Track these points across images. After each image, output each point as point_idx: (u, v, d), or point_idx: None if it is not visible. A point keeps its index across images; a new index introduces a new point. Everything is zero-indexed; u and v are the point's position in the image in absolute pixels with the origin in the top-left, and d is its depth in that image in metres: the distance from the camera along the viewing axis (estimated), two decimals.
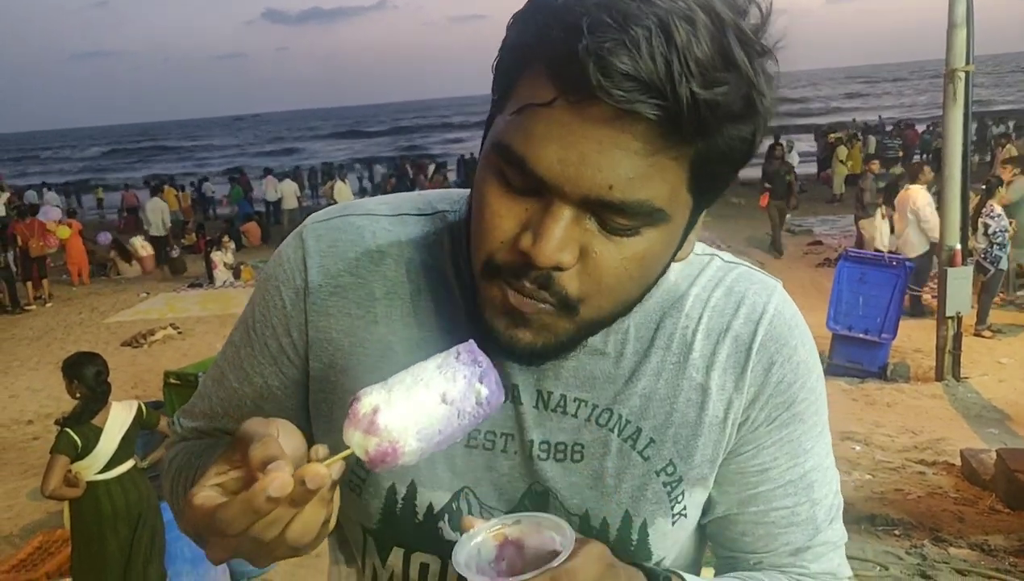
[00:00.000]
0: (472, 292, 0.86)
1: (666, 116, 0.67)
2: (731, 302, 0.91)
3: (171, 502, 1.04)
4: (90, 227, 20.32)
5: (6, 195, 21.29)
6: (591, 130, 0.68)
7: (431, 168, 24.69)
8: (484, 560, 0.79)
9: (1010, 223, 9.46)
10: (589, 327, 0.82)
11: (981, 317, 9.23)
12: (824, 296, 8.74)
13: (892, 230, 11.09)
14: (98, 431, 3.79)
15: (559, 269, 0.74)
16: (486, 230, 0.76)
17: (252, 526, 0.64)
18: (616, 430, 0.89)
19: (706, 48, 0.66)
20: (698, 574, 1.05)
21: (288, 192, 21.94)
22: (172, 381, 6.00)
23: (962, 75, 7.51)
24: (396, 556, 0.95)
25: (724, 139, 0.71)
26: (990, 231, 9.24)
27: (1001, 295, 10.06)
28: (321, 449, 0.71)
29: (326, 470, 0.66)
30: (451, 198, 0.98)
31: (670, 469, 0.90)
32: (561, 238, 0.72)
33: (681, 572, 0.90)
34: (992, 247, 9.24)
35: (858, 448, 6.17)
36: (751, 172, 18.80)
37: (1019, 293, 10.60)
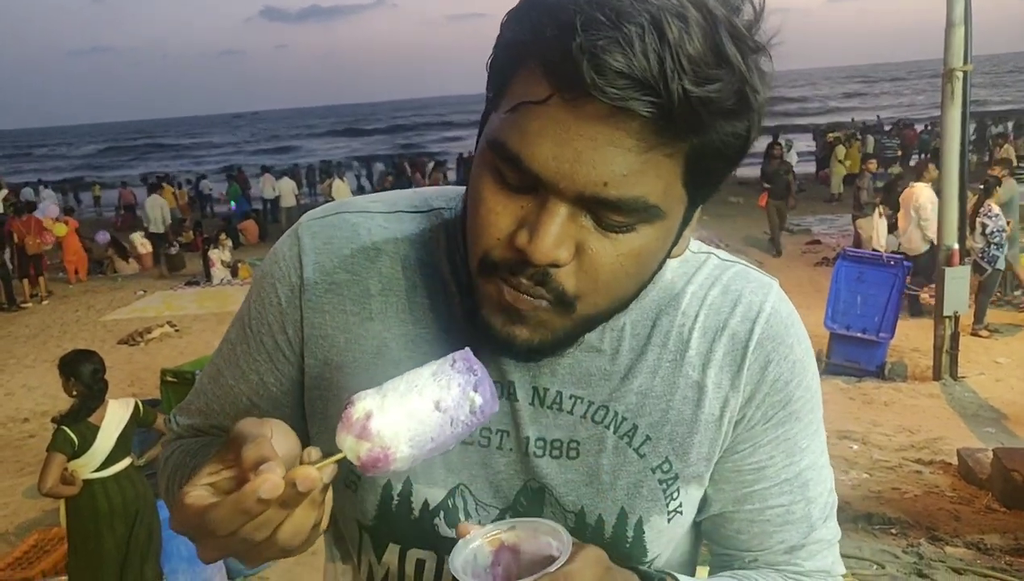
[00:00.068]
0: (468, 289, 0.86)
1: (659, 113, 0.67)
2: (728, 300, 0.91)
3: (167, 500, 1.04)
4: (87, 225, 20.29)
5: (4, 192, 21.24)
6: (585, 127, 0.69)
7: (430, 166, 24.70)
8: (480, 566, 0.79)
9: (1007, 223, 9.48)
10: (586, 323, 0.82)
11: (978, 317, 9.25)
12: (822, 295, 8.76)
13: (890, 229, 11.11)
14: (95, 429, 3.79)
15: (555, 266, 0.74)
16: (482, 227, 0.76)
17: (242, 527, 0.64)
18: (612, 427, 0.89)
19: (698, 45, 0.66)
20: (694, 571, 1.05)
21: (286, 190, 21.93)
22: (169, 379, 6.00)
23: (960, 75, 7.53)
24: (392, 553, 0.96)
25: (718, 135, 0.71)
26: (987, 231, 9.26)
27: (998, 294, 10.07)
28: (313, 452, 0.71)
29: (317, 473, 0.66)
30: (447, 195, 0.98)
31: (666, 466, 0.90)
32: (557, 235, 0.72)
33: (675, 573, 0.90)
34: (989, 247, 9.26)
35: (855, 447, 6.18)
36: (750, 171, 18.84)
37: (1015, 292, 10.61)
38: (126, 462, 3.90)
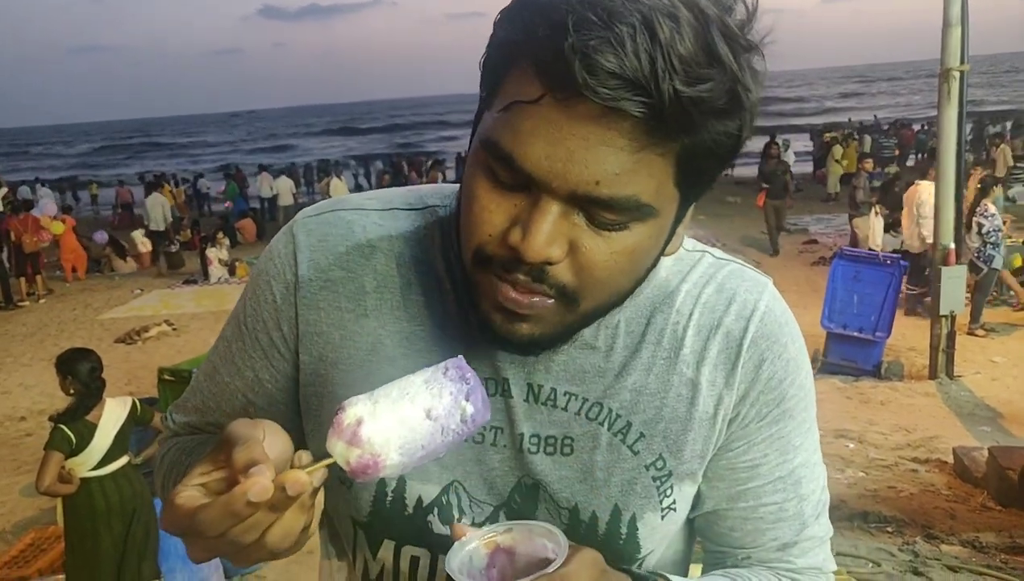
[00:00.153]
0: (464, 285, 0.86)
1: (651, 113, 0.67)
2: (722, 299, 0.91)
3: (163, 498, 1.04)
4: (84, 223, 20.27)
5: (3, 190, 21.17)
6: (578, 127, 0.69)
7: (428, 164, 24.69)
8: (476, 568, 0.80)
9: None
10: (585, 318, 0.83)
11: (974, 316, 9.27)
12: (819, 294, 8.77)
13: (886, 229, 11.13)
14: (92, 427, 3.79)
15: (548, 263, 0.74)
16: (475, 224, 0.77)
17: (231, 529, 0.64)
18: (606, 424, 0.90)
19: (689, 45, 0.67)
20: (687, 569, 1.05)
21: (284, 189, 21.91)
22: (166, 377, 6.00)
23: (957, 74, 7.54)
24: (386, 549, 0.96)
25: (710, 134, 0.71)
26: (984, 230, 9.28)
27: (993, 293, 10.09)
28: (304, 456, 0.71)
29: (307, 477, 0.66)
30: (442, 193, 0.98)
31: (659, 464, 0.90)
32: (549, 233, 0.73)
33: (668, 575, 0.90)
34: (986, 246, 9.28)
35: (852, 446, 6.20)
36: (747, 171, 18.85)
37: (1011, 292, 10.64)
38: (123, 460, 3.90)
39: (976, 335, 9.14)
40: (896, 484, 5.45)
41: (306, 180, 29.06)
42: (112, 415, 3.87)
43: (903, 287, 9.04)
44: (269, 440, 0.70)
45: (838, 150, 21.54)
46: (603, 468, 0.90)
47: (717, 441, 0.91)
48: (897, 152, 24.75)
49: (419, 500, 0.92)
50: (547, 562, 0.76)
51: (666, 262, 0.92)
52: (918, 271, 9.72)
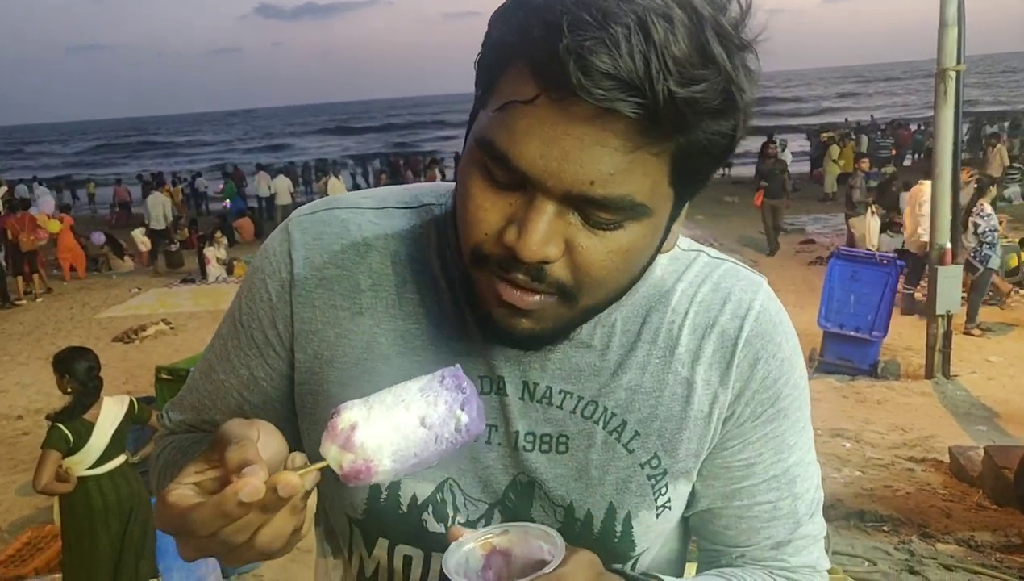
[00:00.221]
0: (458, 284, 0.87)
1: (645, 114, 0.67)
2: (717, 298, 0.92)
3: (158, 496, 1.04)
4: (82, 222, 20.24)
5: (3, 189, 21.11)
6: (573, 127, 0.69)
7: (427, 162, 24.69)
8: (472, 569, 0.80)
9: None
10: (584, 314, 0.83)
11: (971, 316, 9.28)
12: (816, 294, 8.78)
13: (883, 229, 11.14)
14: (89, 426, 3.78)
15: (545, 262, 0.75)
16: (471, 223, 0.77)
17: (222, 529, 0.65)
18: (601, 423, 0.90)
19: (683, 45, 0.67)
20: (683, 568, 1.06)
21: (282, 188, 21.91)
22: (164, 376, 5.99)
23: (953, 74, 7.56)
24: (381, 547, 0.96)
25: (704, 134, 0.72)
26: (980, 230, 9.30)
27: (989, 293, 10.11)
28: (298, 457, 0.71)
29: (299, 480, 0.66)
30: (437, 191, 0.98)
31: (654, 462, 0.90)
32: (545, 233, 0.73)
33: (663, 576, 0.90)
34: (982, 246, 9.30)
35: (848, 445, 6.21)
36: (744, 171, 18.87)
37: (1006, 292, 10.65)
38: (121, 459, 3.89)
39: (972, 335, 9.16)
40: (892, 483, 5.47)
41: (304, 179, 29.06)
42: (109, 414, 3.86)
43: (900, 287, 9.06)
44: (263, 440, 0.70)
45: (835, 150, 21.57)
46: (598, 466, 0.90)
47: (712, 440, 0.92)
48: (894, 152, 24.79)
49: (413, 498, 0.92)
50: (543, 564, 0.76)
51: (662, 261, 0.92)
52: (920, 271, 9.73)
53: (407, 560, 0.95)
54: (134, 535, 3.88)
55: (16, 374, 9.69)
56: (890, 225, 12.04)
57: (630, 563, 0.94)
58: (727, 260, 0.96)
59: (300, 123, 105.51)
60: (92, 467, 3.79)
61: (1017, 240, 11.35)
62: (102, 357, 4.14)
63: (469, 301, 0.85)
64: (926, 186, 9.84)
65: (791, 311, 0.97)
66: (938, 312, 7.81)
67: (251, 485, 0.63)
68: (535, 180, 0.72)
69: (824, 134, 26.10)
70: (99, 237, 17.27)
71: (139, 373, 8.81)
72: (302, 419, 0.97)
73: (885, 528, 4.82)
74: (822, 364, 8.38)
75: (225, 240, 15.86)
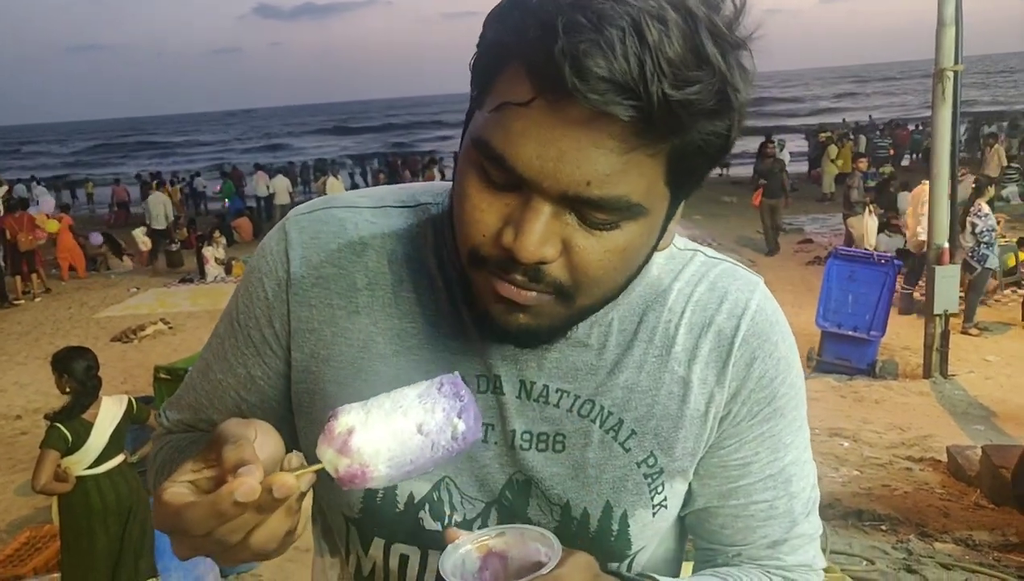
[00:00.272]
0: (455, 283, 0.87)
1: (640, 116, 0.67)
2: (714, 297, 0.92)
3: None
4: (80, 222, 20.24)
5: (4, 189, 21.07)
6: (568, 130, 0.69)
7: (425, 161, 24.70)
8: (468, 571, 0.80)
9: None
10: (581, 312, 0.83)
11: (968, 315, 9.30)
12: (814, 294, 8.79)
13: (881, 229, 11.15)
14: (88, 426, 3.78)
15: (542, 263, 0.75)
16: (468, 224, 0.77)
17: (217, 528, 0.65)
18: (598, 421, 0.90)
19: (678, 47, 0.67)
20: (679, 568, 1.06)
21: (280, 188, 21.91)
22: (162, 376, 5.98)
23: (951, 74, 7.57)
24: (377, 546, 0.96)
25: (699, 135, 0.72)
26: (977, 230, 9.32)
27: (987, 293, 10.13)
28: (294, 458, 0.71)
29: (294, 481, 0.66)
30: (434, 191, 0.98)
31: (651, 461, 0.91)
32: (542, 233, 0.73)
33: (657, 576, 0.91)
34: (979, 246, 9.32)
35: (846, 444, 6.21)
36: (743, 171, 18.87)
37: (1005, 291, 10.68)
38: (119, 459, 3.89)
39: (970, 334, 9.18)
40: (890, 482, 5.47)
41: (303, 179, 29.06)
42: (108, 413, 3.86)
43: (899, 286, 9.07)
44: (260, 440, 0.70)
45: (833, 150, 21.59)
46: (595, 465, 0.90)
47: (708, 439, 0.92)
48: (892, 152, 24.79)
49: (410, 496, 0.92)
50: (539, 565, 0.77)
51: (658, 261, 0.92)
52: (921, 271, 9.74)
53: (404, 559, 0.95)
54: (133, 535, 3.88)
55: (14, 374, 9.69)
56: (888, 225, 12.05)
57: (626, 561, 0.94)
58: (724, 260, 0.96)
59: (298, 123, 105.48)
60: (91, 467, 3.79)
61: (1015, 240, 11.37)
62: (101, 357, 4.14)
63: (466, 300, 0.85)
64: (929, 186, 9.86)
65: (789, 311, 0.97)
66: (936, 312, 7.82)
67: (247, 485, 0.63)
68: (531, 181, 0.72)
69: (822, 134, 26.12)
70: (96, 237, 17.27)
71: (137, 373, 8.81)
72: (299, 418, 0.97)
73: (883, 527, 4.83)
74: (820, 364, 8.40)
75: (224, 240, 15.86)
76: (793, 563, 0.98)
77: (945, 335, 7.90)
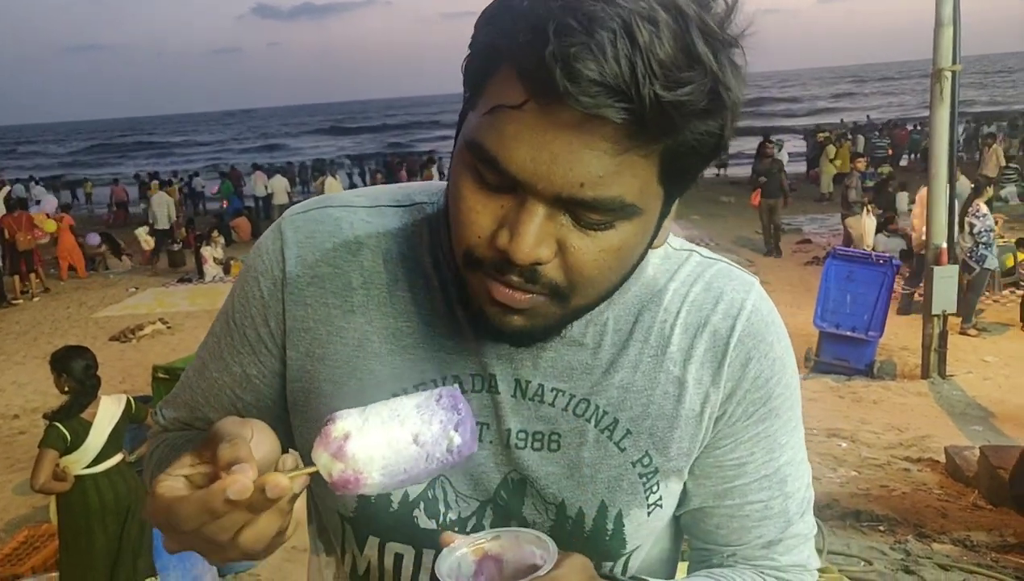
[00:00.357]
0: (453, 282, 0.87)
1: (633, 118, 0.68)
2: (710, 297, 0.92)
3: None
4: (79, 222, 20.23)
5: (7, 189, 21.05)
6: (561, 132, 0.70)
7: (424, 160, 24.71)
8: (464, 574, 0.80)
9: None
10: (576, 312, 0.83)
11: (967, 316, 9.30)
12: (812, 294, 8.80)
13: (879, 229, 11.16)
14: (87, 425, 3.79)
15: (538, 264, 0.75)
16: (464, 226, 0.77)
17: (206, 525, 0.65)
18: (593, 421, 0.90)
19: (669, 48, 0.67)
20: (675, 568, 1.06)
21: (279, 187, 21.93)
22: (160, 375, 5.99)
23: (949, 75, 7.57)
24: (372, 545, 0.96)
25: (692, 134, 0.72)
26: (975, 231, 9.33)
27: (985, 293, 10.14)
28: (289, 460, 0.71)
29: (287, 482, 0.66)
30: (430, 190, 0.98)
31: (646, 460, 0.91)
32: (537, 235, 0.73)
33: (652, 579, 0.91)
34: (978, 246, 9.33)
35: (844, 445, 6.22)
36: (741, 171, 18.88)
37: (1003, 292, 10.69)
38: (118, 458, 3.89)
39: (968, 335, 9.19)
40: (888, 483, 5.48)
41: (301, 179, 29.07)
42: (107, 413, 3.86)
43: (899, 287, 9.08)
44: (257, 440, 0.70)
45: (831, 150, 21.60)
46: (590, 464, 0.90)
47: (703, 439, 0.92)
48: (890, 152, 24.82)
49: (405, 495, 0.92)
50: (535, 568, 0.77)
51: (654, 261, 0.92)
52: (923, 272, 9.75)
53: (398, 558, 0.95)
54: (131, 534, 3.88)
55: (13, 373, 9.69)
56: (886, 225, 12.07)
57: (621, 561, 0.94)
58: (719, 260, 0.97)
59: (297, 123, 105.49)
60: (89, 466, 3.79)
61: (1013, 240, 11.39)
62: (99, 356, 4.14)
63: (461, 299, 0.86)
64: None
65: (787, 311, 0.97)
66: (934, 312, 7.83)
67: (239, 483, 0.63)
68: (525, 183, 0.72)
69: (820, 134, 26.14)
70: (94, 238, 17.28)
71: (136, 372, 8.81)
72: (294, 416, 0.97)
73: (881, 528, 4.83)
74: (818, 364, 8.40)
75: (222, 239, 15.88)
76: (787, 563, 0.99)
77: (943, 335, 7.90)
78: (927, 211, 8.11)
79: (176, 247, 16.84)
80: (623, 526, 0.92)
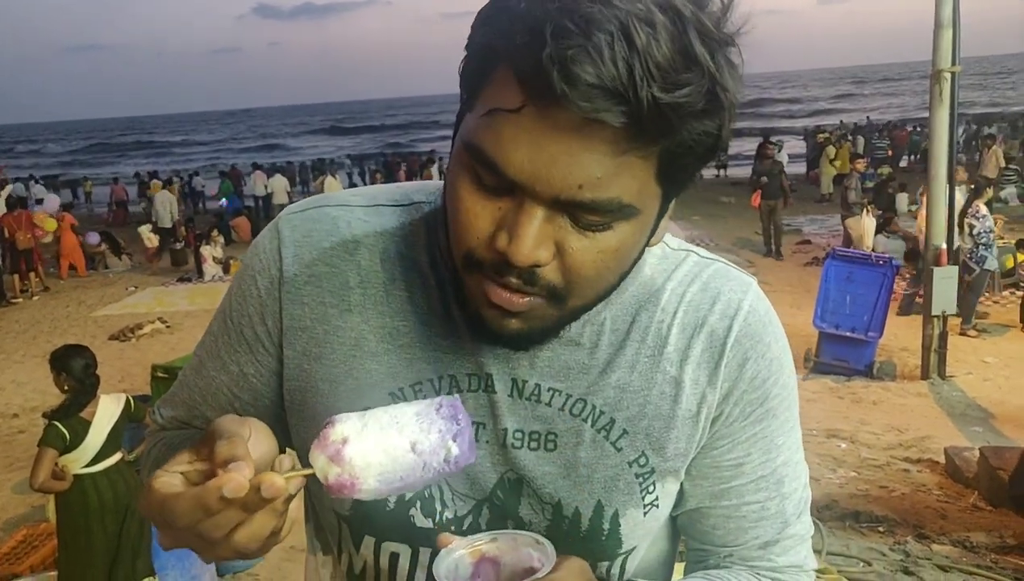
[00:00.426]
0: (450, 282, 0.87)
1: (631, 121, 0.67)
2: (707, 298, 0.92)
3: None
4: (78, 221, 20.23)
5: (9, 189, 21.05)
6: (559, 135, 0.70)
7: (424, 160, 24.71)
8: (461, 576, 0.80)
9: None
10: (574, 313, 0.83)
11: (966, 316, 9.30)
12: (812, 295, 8.79)
13: (878, 229, 11.16)
14: (86, 424, 3.79)
15: (537, 266, 0.75)
16: (462, 228, 0.77)
17: (200, 522, 0.65)
18: (590, 420, 0.90)
19: (666, 50, 0.67)
20: (672, 569, 1.06)
21: (278, 187, 21.94)
22: (160, 375, 5.99)
23: (948, 76, 7.57)
24: (368, 544, 0.96)
25: (690, 135, 0.72)
26: (975, 232, 9.33)
27: (985, 294, 10.14)
28: (285, 460, 0.72)
29: (283, 482, 0.66)
30: (427, 189, 0.98)
31: (642, 460, 0.91)
32: (535, 237, 0.73)
33: None
34: (977, 247, 9.33)
35: (844, 446, 6.22)
36: (741, 171, 18.89)
37: (1003, 293, 10.69)
38: (117, 457, 3.90)
39: (968, 335, 9.19)
40: (888, 484, 5.48)
41: (301, 179, 29.08)
42: (106, 412, 3.87)
43: (901, 288, 9.08)
44: (254, 439, 0.70)
45: (831, 151, 21.60)
46: (586, 464, 0.90)
47: (700, 439, 0.92)
48: (890, 153, 24.82)
49: (402, 494, 0.92)
50: (532, 571, 0.77)
51: (651, 261, 0.92)
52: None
53: (394, 557, 0.95)
54: (130, 533, 3.88)
55: (12, 372, 9.69)
56: (886, 226, 12.06)
57: (618, 561, 0.94)
58: (717, 260, 0.97)
59: (296, 123, 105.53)
60: (88, 465, 3.79)
61: (1013, 241, 11.39)
62: (99, 355, 4.14)
63: (458, 299, 0.85)
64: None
65: (787, 311, 0.98)
66: (934, 313, 7.83)
67: (235, 481, 0.63)
68: (523, 186, 0.72)
69: (820, 135, 26.15)
70: (94, 237, 17.28)
71: (135, 371, 8.81)
72: (291, 415, 0.97)
73: (880, 529, 4.83)
74: (818, 365, 8.40)
75: (222, 239, 15.89)
76: (784, 564, 0.98)
77: (943, 336, 7.91)
78: (926, 212, 8.11)
79: (179, 246, 16.89)
80: (619, 526, 0.92)
